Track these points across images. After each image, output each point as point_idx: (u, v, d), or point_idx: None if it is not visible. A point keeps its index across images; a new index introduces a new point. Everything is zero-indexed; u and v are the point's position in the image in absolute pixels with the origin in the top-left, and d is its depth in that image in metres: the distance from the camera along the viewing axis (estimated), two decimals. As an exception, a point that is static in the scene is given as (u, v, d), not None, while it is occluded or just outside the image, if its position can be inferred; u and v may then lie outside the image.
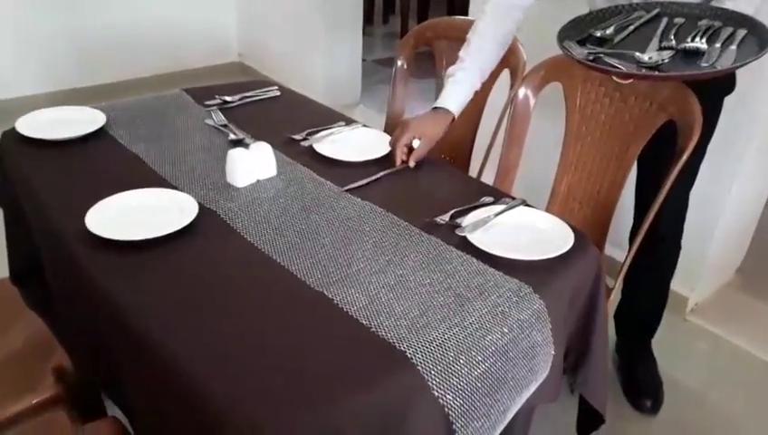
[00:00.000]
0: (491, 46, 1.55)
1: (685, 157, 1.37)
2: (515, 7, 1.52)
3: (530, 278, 1.01)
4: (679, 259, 1.80)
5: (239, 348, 0.87)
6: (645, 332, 1.92)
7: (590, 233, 1.61)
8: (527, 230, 1.15)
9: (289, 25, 3.72)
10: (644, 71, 1.22)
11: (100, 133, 1.46)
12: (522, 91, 1.67)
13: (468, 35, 1.56)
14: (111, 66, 3.66)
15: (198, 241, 1.10)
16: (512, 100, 1.69)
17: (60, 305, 1.19)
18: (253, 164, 1.29)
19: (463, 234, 1.10)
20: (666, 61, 1.22)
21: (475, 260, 1.05)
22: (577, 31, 1.40)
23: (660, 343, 1.94)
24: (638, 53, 1.24)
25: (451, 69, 1.55)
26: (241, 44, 4.14)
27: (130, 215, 1.15)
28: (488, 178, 1.68)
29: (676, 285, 2.11)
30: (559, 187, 1.69)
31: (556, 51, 1.60)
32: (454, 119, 1.51)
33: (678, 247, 1.77)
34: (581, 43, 1.34)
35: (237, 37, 4.12)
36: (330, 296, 0.96)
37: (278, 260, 1.05)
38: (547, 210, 1.67)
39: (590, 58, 1.27)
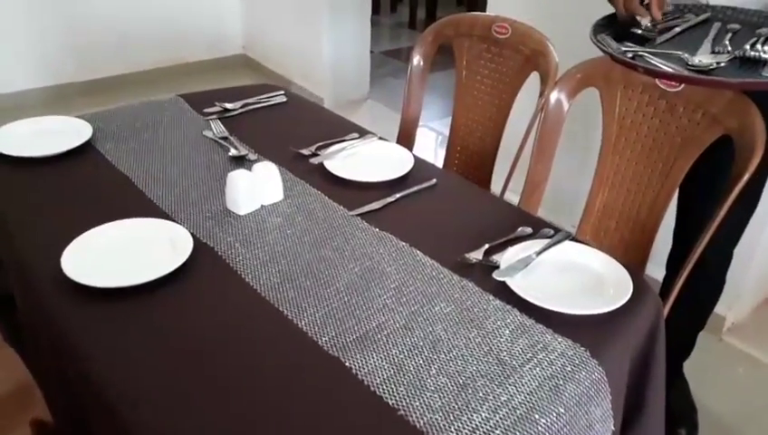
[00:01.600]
0: None
1: (744, 180, 1.20)
2: None
3: (585, 338, 0.85)
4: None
5: (231, 428, 0.71)
6: (678, 356, 1.76)
7: (628, 256, 1.46)
8: (576, 273, 0.99)
9: (294, 16, 3.54)
10: (684, 71, 1.04)
11: (84, 148, 1.30)
12: (554, 96, 1.50)
13: None
14: (110, 59, 3.49)
15: (191, 287, 0.94)
16: (542, 106, 1.52)
17: (32, 353, 1.04)
18: (256, 188, 1.13)
19: (501, 278, 0.94)
20: (722, 65, 1.04)
21: (517, 312, 0.90)
22: (613, 27, 1.23)
23: (695, 367, 1.78)
24: (686, 55, 1.06)
25: None
26: (245, 37, 3.96)
27: (114, 254, 0.99)
28: (514, 191, 1.53)
29: (713, 303, 1.96)
30: (593, 203, 1.53)
31: (591, 54, 1.44)
32: None
33: (723, 280, 1.60)
34: (619, 40, 1.17)
35: (241, 29, 3.94)
36: (347, 365, 0.80)
37: (285, 312, 0.89)
38: (579, 229, 1.53)
39: (629, 56, 1.10)
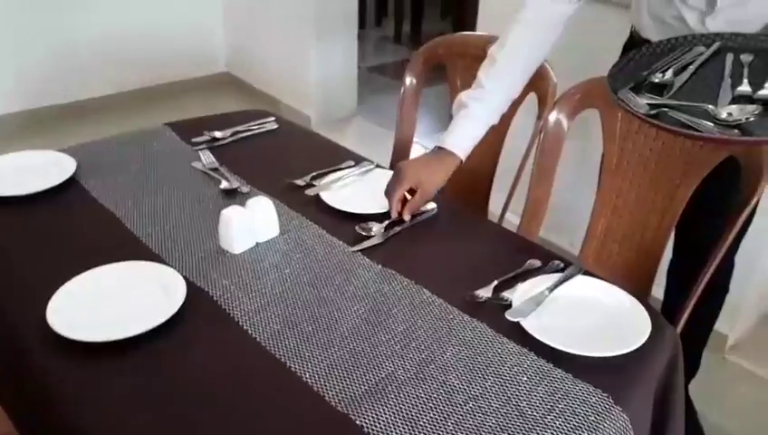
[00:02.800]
0: (521, 68, 1.29)
1: (750, 206, 1.17)
2: (558, 17, 1.24)
3: (607, 383, 0.81)
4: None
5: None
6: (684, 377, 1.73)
7: (633, 279, 1.42)
8: (591, 310, 0.95)
9: (279, 33, 3.49)
10: (725, 133, 0.97)
11: (68, 185, 1.23)
12: (553, 117, 1.46)
13: (492, 50, 1.29)
14: (92, 81, 3.40)
15: (185, 337, 0.88)
16: (541, 128, 1.49)
17: (15, 407, 0.98)
18: (251, 225, 1.08)
19: (515, 319, 0.89)
20: (750, 120, 0.97)
21: (534, 356, 0.85)
22: (627, 75, 1.17)
23: (699, 387, 1.74)
24: (711, 107, 1.00)
25: (465, 95, 1.28)
26: (228, 54, 3.90)
27: (103, 303, 0.93)
28: (513, 211, 1.49)
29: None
30: (595, 227, 1.49)
31: (589, 72, 1.41)
32: (461, 162, 1.26)
33: (726, 291, 1.58)
34: (636, 89, 1.12)
35: (224, 47, 3.88)
36: (357, 422, 0.75)
37: (287, 363, 0.84)
38: (581, 252, 1.49)
39: (653, 113, 1.03)
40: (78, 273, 0.96)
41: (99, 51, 3.39)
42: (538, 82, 1.54)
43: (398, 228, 1.15)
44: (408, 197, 1.19)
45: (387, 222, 1.16)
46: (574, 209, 2.12)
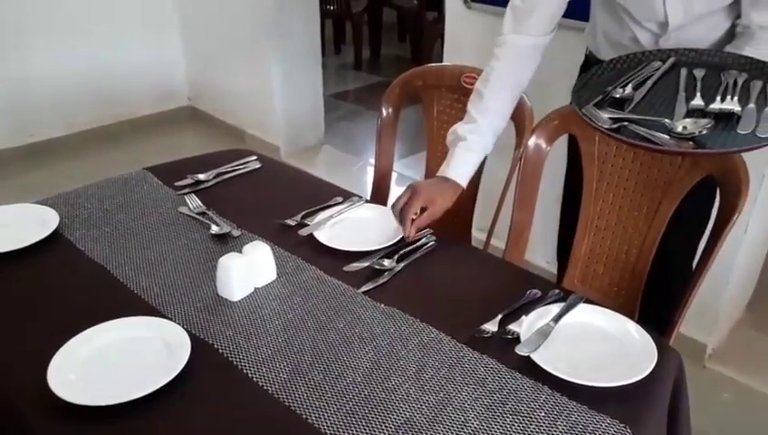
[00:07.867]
0: (506, 99, 1.36)
1: (732, 223, 1.21)
2: (534, 49, 1.32)
3: (624, 413, 0.82)
4: (694, 305, 1.65)
5: None
6: None
7: (619, 299, 1.46)
8: (596, 338, 0.97)
9: (242, 64, 3.47)
10: (680, 145, 1.04)
11: (52, 239, 1.19)
12: (532, 144, 1.49)
13: (478, 86, 1.36)
14: (48, 121, 3.30)
15: (193, 393, 0.86)
16: (521, 155, 1.52)
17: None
18: (249, 271, 1.07)
19: (524, 353, 0.90)
20: (703, 133, 1.05)
21: (548, 390, 0.86)
22: (590, 90, 1.23)
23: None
24: (667, 121, 1.07)
25: (461, 129, 1.34)
26: (190, 88, 3.86)
27: (106, 363, 0.90)
28: (496, 236, 1.50)
29: (693, 331, 1.98)
30: (579, 248, 1.52)
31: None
32: (463, 190, 1.34)
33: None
34: (599, 104, 1.17)
35: (186, 80, 3.84)
36: (385, 474, 0.74)
37: (303, 414, 0.82)
38: (567, 274, 1.51)
39: (615, 127, 1.10)
40: (75, 332, 0.93)
41: (56, 90, 3.30)
42: (515, 111, 1.57)
43: (402, 263, 1.15)
44: (413, 217, 1.22)
45: (398, 255, 1.17)
46: (547, 229, 2.16)
